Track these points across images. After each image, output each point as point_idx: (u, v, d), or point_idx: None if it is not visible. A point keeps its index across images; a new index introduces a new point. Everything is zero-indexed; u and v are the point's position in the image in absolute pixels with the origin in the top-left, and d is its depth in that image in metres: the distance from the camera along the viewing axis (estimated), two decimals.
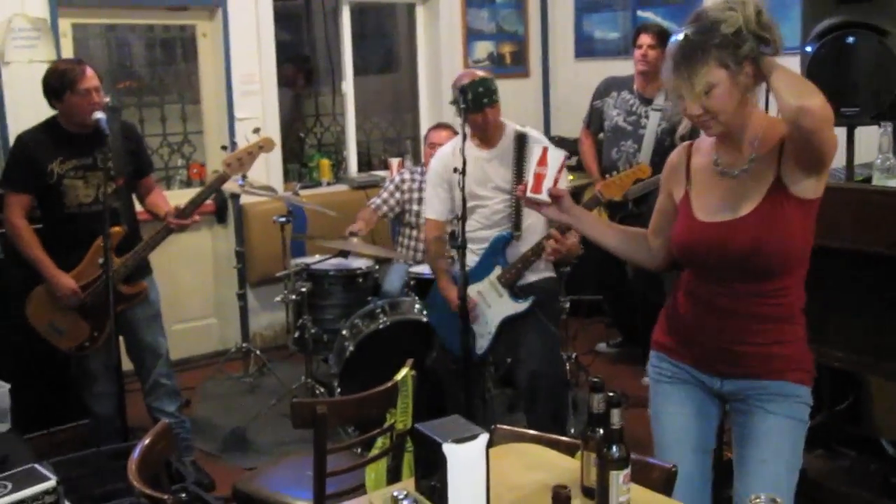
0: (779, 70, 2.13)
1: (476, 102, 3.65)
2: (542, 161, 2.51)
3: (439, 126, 5.19)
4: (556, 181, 2.50)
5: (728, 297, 2.33)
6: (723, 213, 2.31)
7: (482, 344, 3.84)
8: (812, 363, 2.40)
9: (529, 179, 2.52)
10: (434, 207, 3.97)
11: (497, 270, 3.79)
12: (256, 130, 4.11)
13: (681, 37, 2.19)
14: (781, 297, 2.32)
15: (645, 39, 5.04)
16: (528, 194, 2.51)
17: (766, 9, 2.16)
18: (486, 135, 3.79)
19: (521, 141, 3.81)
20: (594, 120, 5.33)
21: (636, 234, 2.65)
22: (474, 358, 3.80)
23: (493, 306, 3.78)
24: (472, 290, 3.78)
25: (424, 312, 4.24)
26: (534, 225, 3.81)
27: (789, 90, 2.09)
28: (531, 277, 3.83)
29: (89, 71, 3.73)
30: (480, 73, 3.80)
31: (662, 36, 5.04)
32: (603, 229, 2.64)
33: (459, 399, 3.81)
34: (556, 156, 2.51)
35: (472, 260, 3.83)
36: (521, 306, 3.76)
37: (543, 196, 2.52)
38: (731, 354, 2.36)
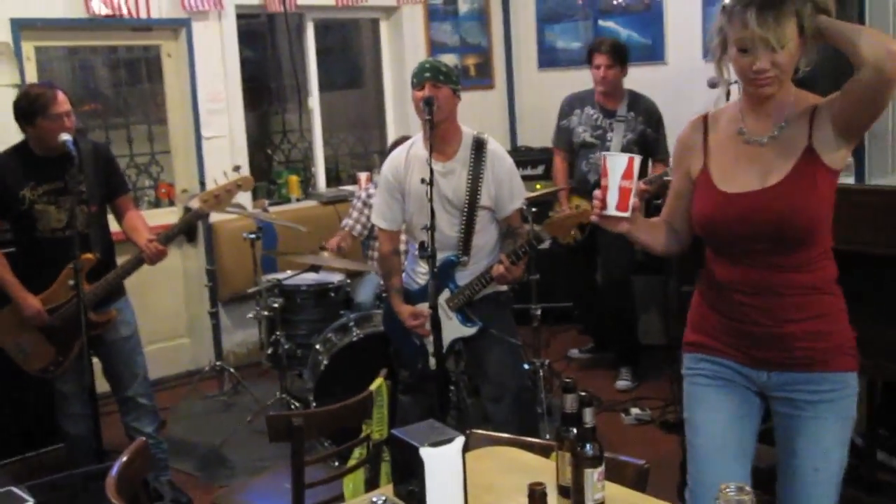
0: (849, 24, 2.14)
1: (418, 75, 3.54)
2: (629, 173, 2.17)
3: (403, 140, 5.20)
4: (625, 190, 2.20)
5: (762, 273, 2.27)
6: (750, 183, 2.26)
7: (433, 361, 3.78)
8: (855, 341, 2.34)
9: (612, 195, 2.19)
10: (385, 216, 3.77)
11: (446, 293, 3.70)
12: (237, 168, 4.01)
13: None
14: (815, 266, 2.28)
15: (601, 60, 5.08)
16: (612, 212, 2.21)
17: None
18: (437, 132, 3.53)
19: (479, 147, 3.65)
20: (562, 139, 5.38)
21: (662, 225, 2.52)
22: (427, 372, 3.76)
23: (446, 322, 3.64)
24: (425, 308, 3.66)
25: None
26: (482, 244, 3.70)
27: (872, 38, 2.08)
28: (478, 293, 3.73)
29: (61, 96, 3.69)
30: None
31: (617, 52, 5.09)
32: (653, 232, 2.46)
33: (414, 412, 3.83)
34: (618, 161, 2.19)
35: (423, 276, 3.74)
36: (470, 330, 3.71)
37: (628, 213, 2.21)
38: (781, 339, 2.28)
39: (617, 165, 2.17)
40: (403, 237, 4.18)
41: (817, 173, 2.20)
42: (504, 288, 3.86)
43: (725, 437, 2.37)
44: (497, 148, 3.74)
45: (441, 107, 3.51)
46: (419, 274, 3.81)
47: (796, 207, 2.19)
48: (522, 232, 3.71)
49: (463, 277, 3.70)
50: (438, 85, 3.54)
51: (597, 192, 2.23)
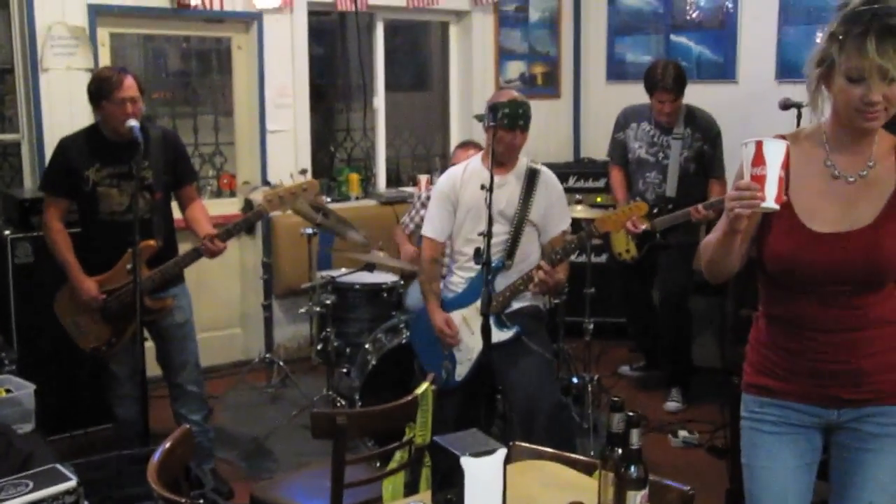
0: None
1: (513, 120, 3.62)
2: (759, 159, 1.98)
3: (467, 144, 5.19)
4: (782, 180, 1.99)
5: (843, 312, 2.18)
6: (838, 222, 2.15)
7: (461, 371, 3.79)
8: None
9: (772, 185, 1.99)
10: (434, 226, 3.88)
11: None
12: (303, 171, 4.03)
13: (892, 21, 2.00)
14: (887, 298, 2.20)
15: (664, 97, 4.95)
16: (772, 205, 2.00)
17: None
18: (506, 157, 3.73)
19: (532, 175, 3.78)
20: (617, 152, 5.31)
21: None
22: (451, 385, 3.78)
23: (477, 333, 3.58)
24: (457, 316, 3.80)
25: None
26: (525, 255, 3.78)
27: None
28: (516, 305, 3.79)
29: (128, 81, 3.74)
30: (520, 96, 3.78)
31: (679, 84, 4.96)
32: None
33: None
34: (777, 149, 1.99)
35: (460, 285, 3.86)
36: (506, 335, 3.70)
37: (770, 203, 1.99)
38: (854, 375, 2.20)
39: (776, 153, 1.98)
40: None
41: None
42: (539, 304, 3.91)
43: (786, 489, 2.30)
44: (549, 174, 3.88)
45: (519, 148, 3.72)
46: (453, 284, 3.90)
47: (887, 251, 2.12)
48: (565, 241, 3.79)
49: (503, 284, 3.73)
50: (525, 131, 3.70)
51: (750, 183, 2.00)
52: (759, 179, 1.99)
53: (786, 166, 2.00)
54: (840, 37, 2.05)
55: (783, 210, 2.11)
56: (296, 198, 3.86)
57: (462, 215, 3.81)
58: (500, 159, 3.71)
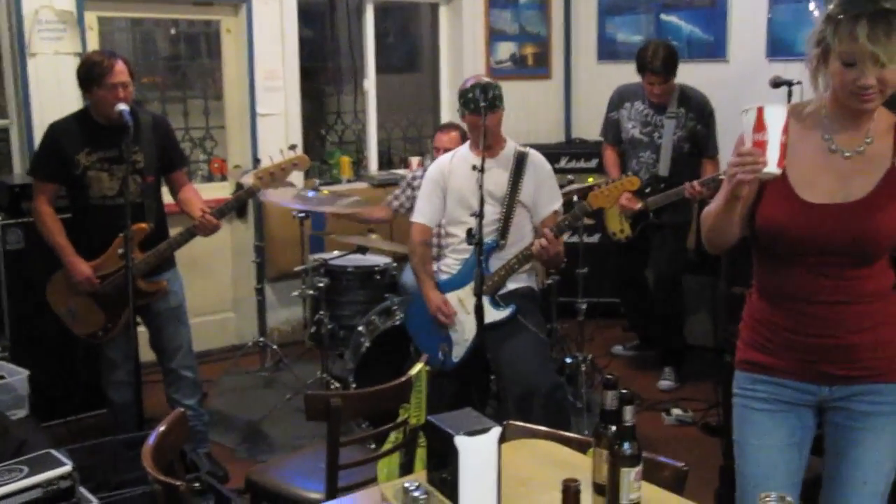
0: None
1: (476, 103, 3.64)
2: (760, 125, 2.01)
3: (448, 127, 5.17)
4: (783, 146, 2.02)
5: (835, 283, 2.19)
6: (832, 194, 2.17)
7: (458, 352, 3.80)
8: None
9: (774, 150, 2.02)
10: (424, 212, 3.96)
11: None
12: (292, 147, 4.03)
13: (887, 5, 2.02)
14: (879, 273, 2.23)
15: (653, 79, 4.93)
16: (774, 170, 2.03)
17: None
18: (487, 142, 3.68)
19: (521, 158, 3.82)
20: (611, 131, 5.30)
21: None
22: (448, 366, 3.80)
23: (472, 313, 3.59)
24: (453, 297, 3.82)
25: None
26: (519, 234, 3.82)
27: None
28: (511, 286, 3.81)
29: (119, 66, 3.73)
30: (486, 79, 3.81)
31: (669, 67, 4.93)
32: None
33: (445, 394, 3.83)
34: (778, 114, 2.02)
35: (454, 267, 3.90)
36: (502, 314, 3.72)
37: (772, 168, 2.02)
38: (847, 350, 2.22)
39: (777, 118, 2.01)
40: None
41: None
42: (533, 284, 3.94)
43: (775, 466, 2.31)
44: (537, 155, 3.91)
45: (492, 129, 3.69)
46: (447, 266, 3.94)
47: (879, 225, 2.14)
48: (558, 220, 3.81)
49: (496, 264, 3.76)
50: (496, 111, 3.69)
51: (752, 148, 2.03)
52: (761, 145, 2.02)
53: (786, 131, 2.02)
54: (834, 20, 2.06)
55: (778, 179, 2.13)
56: (286, 173, 3.85)
57: (452, 200, 3.87)
58: (478, 144, 3.71)
